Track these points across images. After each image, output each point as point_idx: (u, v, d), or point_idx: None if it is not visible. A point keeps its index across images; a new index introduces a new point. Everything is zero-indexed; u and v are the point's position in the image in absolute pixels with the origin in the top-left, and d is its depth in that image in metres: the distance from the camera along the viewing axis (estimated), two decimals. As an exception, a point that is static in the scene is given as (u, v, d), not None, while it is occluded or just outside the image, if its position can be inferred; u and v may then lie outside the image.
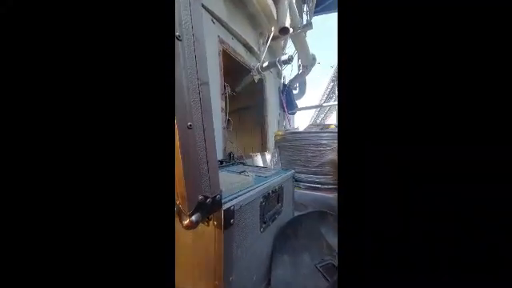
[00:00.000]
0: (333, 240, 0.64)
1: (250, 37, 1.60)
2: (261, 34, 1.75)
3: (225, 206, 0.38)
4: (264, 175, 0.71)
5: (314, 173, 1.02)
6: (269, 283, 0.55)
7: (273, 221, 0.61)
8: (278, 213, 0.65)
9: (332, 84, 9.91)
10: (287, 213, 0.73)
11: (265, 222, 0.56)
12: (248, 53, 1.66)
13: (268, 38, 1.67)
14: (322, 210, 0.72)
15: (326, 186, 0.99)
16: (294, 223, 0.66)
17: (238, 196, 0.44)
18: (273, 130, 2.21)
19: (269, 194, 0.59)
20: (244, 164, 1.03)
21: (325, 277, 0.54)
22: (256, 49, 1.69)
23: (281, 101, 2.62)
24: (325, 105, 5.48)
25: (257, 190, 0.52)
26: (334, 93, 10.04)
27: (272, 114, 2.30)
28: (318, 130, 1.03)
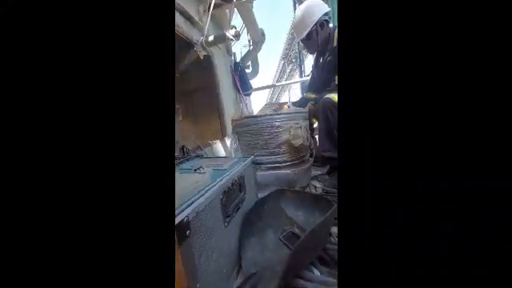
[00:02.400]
0: (292, 212, 0.72)
1: (187, 3, 1.31)
2: (201, 1, 1.47)
3: (176, 220, 0.33)
4: (222, 168, 0.68)
5: (273, 153, 1.08)
6: (240, 267, 0.57)
7: (237, 211, 0.61)
8: (242, 201, 0.66)
9: (283, 62, 10.19)
10: (251, 198, 0.76)
11: (228, 216, 0.55)
12: (187, 23, 1.38)
13: (210, 5, 1.42)
14: (281, 188, 0.78)
15: (283, 164, 1.08)
16: (257, 207, 0.69)
17: (193, 202, 0.40)
18: (230, 113, 2.11)
19: (229, 187, 0.57)
20: (200, 157, 0.95)
21: (287, 246, 0.61)
22: (197, 19, 1.43)
23: (234, 81, 2.47)
24: (277, 84, 5.68)
25: (215, 187, 0.49)
26: (285, 72, 10.46)
27: (227, 96, 2.16)
28: (272, 113, 1.05)
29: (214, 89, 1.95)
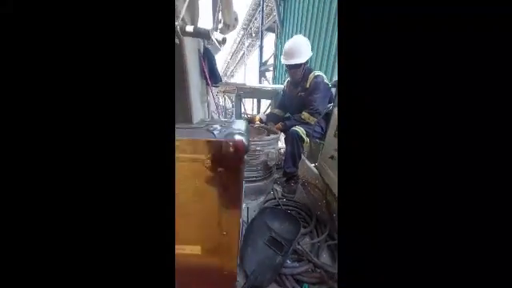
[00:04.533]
0: (270, 222, 1.06)
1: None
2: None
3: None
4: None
5: (252, 170, 1.33)
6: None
7: (240, 233, 0.86)
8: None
9: (242, 32, 9.33)
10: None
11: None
12: None
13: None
14: (262, 207, 1.10)
15: (258, 178, 1.38)
16: (250, 226, 0.98)
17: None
18: (196, 107, 1.96)
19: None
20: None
21: (270, 247, 0.96)
22: None
23: (202, 68, 2.21)
24: (250, 86, 5.23)
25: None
26: (243, 44, 9.75)
27: (195, 90, 1.92)
28: (256, 140, 1.25)
29: (180, 87, 1.69)
